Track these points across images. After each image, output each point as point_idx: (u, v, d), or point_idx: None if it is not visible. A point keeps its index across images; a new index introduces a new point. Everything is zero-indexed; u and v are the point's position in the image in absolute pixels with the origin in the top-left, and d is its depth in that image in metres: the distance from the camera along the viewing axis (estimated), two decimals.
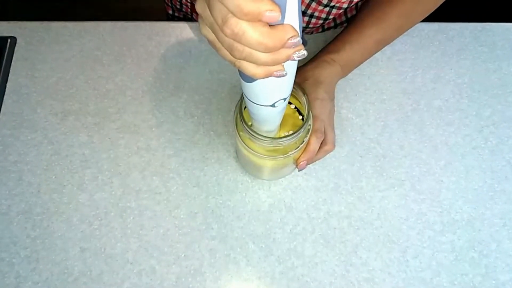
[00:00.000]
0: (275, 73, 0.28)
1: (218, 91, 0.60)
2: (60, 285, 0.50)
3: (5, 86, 0.61)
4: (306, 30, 0.64)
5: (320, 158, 0.52)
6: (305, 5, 0.57)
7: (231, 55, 0.27)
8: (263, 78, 0.29)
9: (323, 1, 0.56)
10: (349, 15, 0.65)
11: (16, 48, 0.63)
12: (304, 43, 0.28)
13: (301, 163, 0.49)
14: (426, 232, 0.53)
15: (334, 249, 0.52)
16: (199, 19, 0.29)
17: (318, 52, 0.56)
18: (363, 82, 0.61)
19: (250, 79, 0.31)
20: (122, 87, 0.61)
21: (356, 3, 0.62)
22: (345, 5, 0.57)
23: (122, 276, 0.51)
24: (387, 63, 0.63)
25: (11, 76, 0.61)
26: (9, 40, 0.63)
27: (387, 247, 0.52)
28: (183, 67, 0.62)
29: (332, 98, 0.53)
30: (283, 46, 0.26)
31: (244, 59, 0.27)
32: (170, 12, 0.77)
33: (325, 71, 0.52)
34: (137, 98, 0.60)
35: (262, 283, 0.51)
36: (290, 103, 0.48)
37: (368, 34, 0.53)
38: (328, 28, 0.66)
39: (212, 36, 0.28)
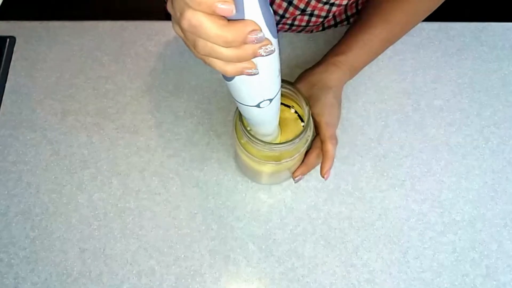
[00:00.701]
0: (245, 71, 0.28)
1: (218, 91, 0.60)
2: (59, 286, 0.50)
3: (4, 86, 0.60)
4: (306, 28, 0.63)
5: (317, 165, 0.52)
6: (305, 3, 0.57)
7: (196, 51, 0.27)
8: (234, 75, 0.28)
9: None
10: (349, 13, 0.65)
11: (15, 48, 0.63)
12: (275, 37, 0.27)
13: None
14: (427, 233, 0.53)
15: (335, 250, 0.52)
16: (172, 18, 0.28)
17: (325, 55, 0.55)
18: (363, 82, 0.61)
19: (228, 77, 0.31)
20: (121, 87, 0.61)
21: (356, 1, 0.62)
22: (344, 2, 0.57)
23: (121, 277, 0.50)
24: (387, 63, 0.62)
25: (10, 76, 0.61)
26: (8, 40, 0.63)
27: (388, 248, 0.52)
28: (182, 67, 0.62)
29: (340, 103, 0.53)
30: (244, 40, 0.25)
31: (208, 55, 0.27)
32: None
33: (333, 76, 0.52)
34: (137, 98, 0.60)
35: (262, 284, 0.50)
36: (297, 113, 0.48)
37: (374, 34, 0.53)
38: (329, 27, 0.66)
39: (182, 34, 0.28)
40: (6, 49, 0.62)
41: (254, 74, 0.29)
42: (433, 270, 0.51)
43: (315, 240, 0.52)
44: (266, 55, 0.27)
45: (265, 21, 0.26)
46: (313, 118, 0.50)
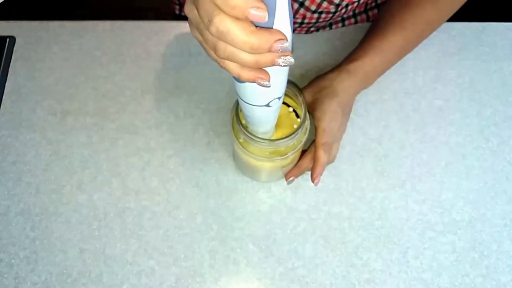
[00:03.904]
0: (258, 80, 0.28)
1: (218, 90, 0.60)
2: (59, 286, 0.50)
3: (4, 86, 0.60)
4: (316, 25, 0.63)
5: (321, 173, 0.51)
6: (316, 4, 0.57)
7: (215, 54, 0.27)
8: (247, 81, 0.28)
9: (334, 1, 0.56)
10: (356, 11, 0.65)
11: (15, 48, 0.63)
12: (292, 50, 0.28)
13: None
14: (427, 233, 0.53)
15: (335, 250, 0.52)
16: (188, 22, 0.29)
17: (342, 61, 0.54)
18: None
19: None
20: (121, 87, 0.60)
21: (366, 0, 0.62)
22: (355, 2, 0.57)
23: (121, 277, 0.50)
24: None
25: (10, 76, 0.61)
26: (8, 40, 0.63)
27: (388, 248, 0.52)
28: (182, 66, 0.62)
29: (346, 112, 0.52)
30: (269, 48, 0.25)
31: (227, 59, 0.27)
32: (177, 12, 0.77)
33: (344, 83, 0.51)
34: (136, 98, 0.60)
35: (262, 284, 0.50)
36: (287, 105, 0.48)
37: (391, 41, 0.52)
38: (335, 23, 0.65)
39: (201, 38, 0.28)
40: (6, 49, 0.62)
41: (266, 86, 0.29)
42: (433, 270, 0.51)
43: (315, 240, 0.52)
44: (284, 66, 0.27)
45: (290, 29, 0.26)
46: (314, 123, 0.50)
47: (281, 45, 0.25)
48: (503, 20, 0.66)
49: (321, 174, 0.49)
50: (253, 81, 0.28)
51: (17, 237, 0.52)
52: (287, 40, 0.26)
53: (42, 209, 0.54)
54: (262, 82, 0.28)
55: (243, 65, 0.27)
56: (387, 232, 0.53)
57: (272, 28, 0.25)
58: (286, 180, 0.52)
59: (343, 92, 0.51)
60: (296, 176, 0.52)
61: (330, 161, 0.52)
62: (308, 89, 0.52)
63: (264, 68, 0.29)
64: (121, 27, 0.64)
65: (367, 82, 0.53)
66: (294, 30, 0.64)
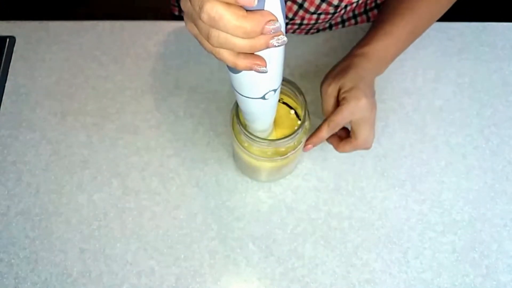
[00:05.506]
0: (255, 67, 0.28)
1: (218, 90, 0.60)
2: (59, 286, 0.50)
3: (4, 86, 0.60)
4: (314, 26, 0.63)
5: (347, 151, 0.50)
6: (315, 6, 0.57)
7: (209, 43, 0.27)
8: (244, 69, 0.28)
9: (333, 2, 0.56)
10: (356, 12, 0.64)
11: (15, 48, 0.63)
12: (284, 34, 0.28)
13: (307, 146, 0.48)
14: (427, 233, 0.53)
15: (335, 250, 0.52)
16: (184, 16, 0.29)
17: (353, 47, 0.52)
18: None
19: (236, 70, 0.31)
20: (121, 87, 0.60)
21: (365, 0, 0.62)
22: (354, 3, 0.57)
23: (121, 277, 0.50)
24: None
25: (10, 76, 0.61)
26: (8, 40, 0.63)
27: (388, 248, 0.52)
28: (182, 66, 0.62)
29: (371, 95, 0.48)
30: (261, 30, 0.25)
31: (221, 46, 0.27)
32: (176, 13, 0.77)
33: (358, 68, 0.48)
34: (136, 98, 0.60)
35: (262, 284, 0.50)
36: (287, 105, 0.48)
37: (400, 25, 0.51)
38: (336, 25, 0.65)
39: (195, 30, 0.28)
40: (5, 49, 0.62)
41: (264, 72, 0.29)
42: (433, 270, 0.51)
43: (315, 240, 0.52)
44: (278, 46, 0.27)
45: (282, 11, 0.26)
46: (339, 93, 0.47)
47: (272, 26, 0.25)
48: (503, 20, 0.66)
49: (314, 145, 0.48)
50: (250, 69, 0.28)
51: (17, 237, 0.52)
52: (277, 20, 0.26)
53: (42, 209, 0.54)
54: (259, 68, 0.28)
55: (238, 50, 0.27)
56: (387, 232, 0.53)
57: (262, 10, 0.25)
58: (304, 149, 0.49)
59: (363, 76, 0.48)
60: (315, 145, 0.49)
61: (359, 146, 0.49)
62: (331, 76, 0.49)
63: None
64: (121, 27, 0.64)
65: (381, 66, 0.51)
66: (294, 32, 0.64)
